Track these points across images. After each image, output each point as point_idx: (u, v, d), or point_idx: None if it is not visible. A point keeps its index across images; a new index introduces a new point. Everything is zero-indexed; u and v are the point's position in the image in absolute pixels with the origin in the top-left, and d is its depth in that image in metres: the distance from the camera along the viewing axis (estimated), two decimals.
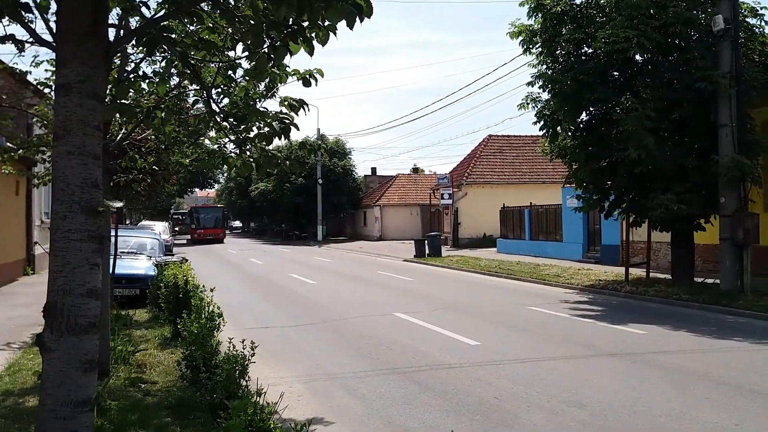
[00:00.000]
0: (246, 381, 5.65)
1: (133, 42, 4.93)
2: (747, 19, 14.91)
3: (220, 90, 6.18)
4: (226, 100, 5.85)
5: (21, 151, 8.57)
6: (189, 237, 53.75)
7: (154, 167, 10.29)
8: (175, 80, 6.48)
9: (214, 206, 64.08)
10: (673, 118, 14.06)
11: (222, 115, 5.05)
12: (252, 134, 5.03)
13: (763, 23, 15.16)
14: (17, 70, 7.71)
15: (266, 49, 4.12)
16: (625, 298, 14.51)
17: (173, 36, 4.33)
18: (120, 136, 7.97)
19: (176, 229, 63.75)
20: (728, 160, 13.18)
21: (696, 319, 11.45)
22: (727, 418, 5.93)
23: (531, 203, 28.33)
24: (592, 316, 12.03)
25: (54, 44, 3.53)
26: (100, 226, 3.18)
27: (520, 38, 15.97)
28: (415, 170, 58.92)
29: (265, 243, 51.00)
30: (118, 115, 5.77)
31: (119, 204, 5.45)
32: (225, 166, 6.03)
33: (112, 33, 5.70)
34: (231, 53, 5.53)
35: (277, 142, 5.61)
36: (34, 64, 8.27)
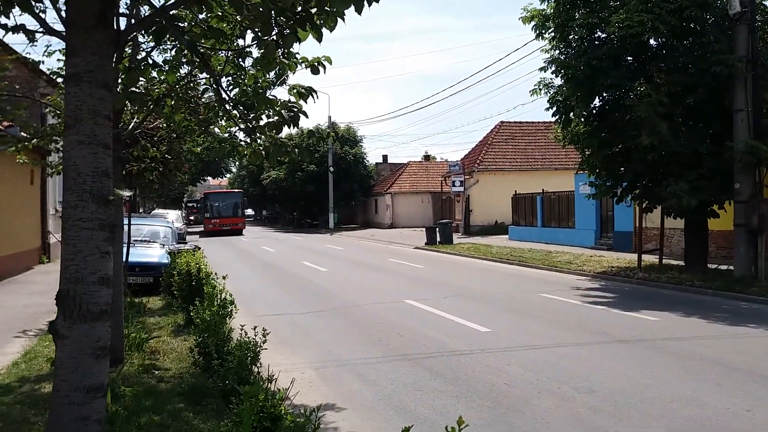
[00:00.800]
0: (258, 367, 5.70)
1: (143, 31, 4.95)
2: (764, 2, 14.65)
3: (230, 79, 6.20)
4: (236, 89, 5.85)
5: (35, 140, 8.65)
6: (203, 227, 47.12)
7: (166, 156, 10.35)
8: (185, 69, 6.52)
9: (230, 191, 55.32)
10: (687, 103, 13.88)
11: (231, 104, 5.06)
12: (262, 123, 5.04)
13: None
14: (30, 60, 7.76)
15: (275, 36, 4.12)
16: (637, 284, 14.45)
17: (182, 25, 4.32)
18: (132, 125, 8.02)
19: (191, 218, 60.21)
20: (743, 146, 13.02)
21: (709, 306, 11.38)
22: (739, 403, 5.90)
23: (543, 190, 28.18)
24: (604, 303, 11.99)
25: (64, 34, 3.55)
26: (111, 215, 3.21)
27: (533, 23, 15.82)
28: (427, 158, 58.74)
29: (277, 231, 51.23)
30: (128, 103, 5.81)
31: (129, 193, 5.50)
32: (236, 155, 6.06)
33: (123, 22, 5.74)
34: (240, 42, 5.56)
35: (288, 130, 5.66)
36: (46, 53, 8.34)
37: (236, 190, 54.89)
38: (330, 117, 47.02)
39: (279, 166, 46.07)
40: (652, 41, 14.67)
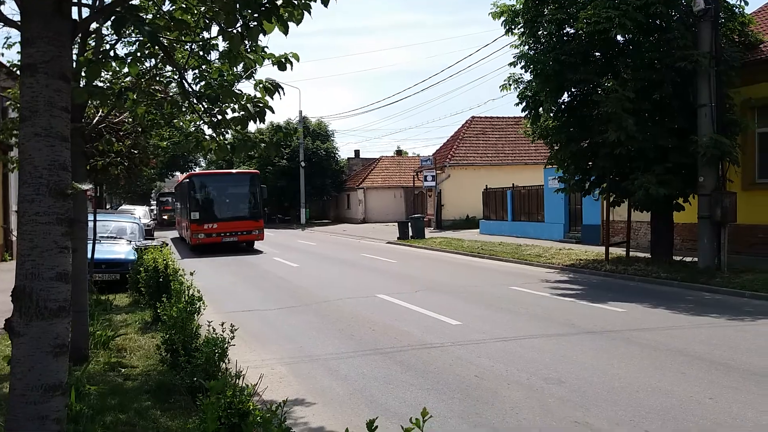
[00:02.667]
0: (226, 364, 5.64)
1: (106, 22, 4.82)
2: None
3: (196, 72, 6.10)
4: (201, 83, 5.76)
5: None
6: (185, 235, 27.02)
7: (131, 150, 10.15)
8: (151, 62, 6.39)
9: (236, 172, 31.53)
10: (653, 98, 14.12)
11: (196, 98, 4.97)
12: (227, 117, 4.96)
13: (742, 3, 15.24)
14: None
15: (240, 29, 4.06)
16: (605, 276, 14.68)
17: (142, 15, 4.23)
18: (96, 119, 7.84)
19: (164, 217, 49.36)
20: (707, 140, 13.30)
21: (674, 297, 11.62)
22: (702, 392, 6.04)
23: (513, 184, 28.44)
24: (572, 295, 12.16)
25: (20, 24, 3.43)
26: (69, 209, 3.12)
27: (503, 18, 15.90)
28: (399, 152, 58.83)
29: None
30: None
31: (89, 186, 5.36)
32: (201, 150, 5.96)
33: (86, 12, 5.59)
34: (206, 34, 5.47)
35: (260, 125, 5.54)
36: (6, 45, 8.10)
37: (246, 171, 31.54)
38: (301, 112, 46.50)
39: (249, 161, 45.59)
40: (619, 37, 14.89)
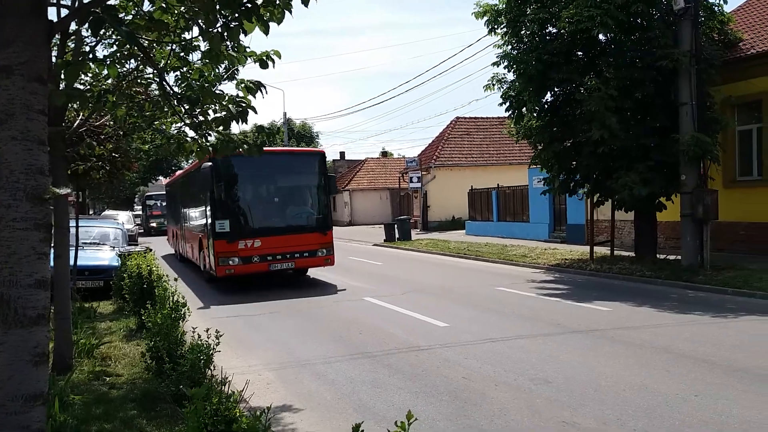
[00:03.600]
0: (211, 370, 5.57)
1: (81, 23, 4.74)
2: None
3: (178, 74, 6.03)
4: (182, 84, 5.68)
5: None
6: (200, 258, 16.60)
7: (113, 154, 10.04)
8: (131, 64, 6.31)
9: (296, 152, 19.65)
10: (635, 97, 14.23)
11: (176, 99, 4.90)
12: (209, 118, 4.91)
13: (721, 2, 15.42)
14: None
15: (220, 29, 4.01)
16: (590, 276, 14.76)
17: (121, 15, 4.16)
18: (77, 122, 7.73)
19: (152, 224, 41.41)
20: (688, 138, 13.41)
21: (658, 295, 11.70)
22: (687, 389, 6.07)
23: (498, 185, 28.53)
24: (558, 295, 12.20)
25: None
26: (48, 214, 3.05)
27: (485, 18, 15.94)
28: (384, 154, 58.89)
29: None
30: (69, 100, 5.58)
31: (67, 190, 5.26)
32: (183, 152, 5.88)
33: (64, 13, 5.50)
34: (186, 35, 5.40)
35: (244, 127, 5.48)
36: None
37: (309, 150, 21.64)
38: (285, 113, 45.68)
39: None
40: (601, 36, 14.98)
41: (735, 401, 5.68)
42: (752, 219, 15.78)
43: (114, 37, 5.94)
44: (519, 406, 5.79)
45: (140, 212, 49.32)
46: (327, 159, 22.95)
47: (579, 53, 15.38)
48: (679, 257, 14.40)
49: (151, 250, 11.93)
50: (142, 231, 40.92)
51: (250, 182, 14.83)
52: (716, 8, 15.48)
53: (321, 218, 15.08)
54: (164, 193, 36.50)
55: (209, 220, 14.45)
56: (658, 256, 15.27)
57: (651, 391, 6.07)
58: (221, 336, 5.78)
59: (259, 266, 14.00)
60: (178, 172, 26.15)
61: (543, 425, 5.33)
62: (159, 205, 40.36)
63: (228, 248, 13.73)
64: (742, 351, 7.50)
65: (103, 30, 5.97)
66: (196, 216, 17.20)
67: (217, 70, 5.96)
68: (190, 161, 22.66)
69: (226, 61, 5.33)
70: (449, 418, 5.56)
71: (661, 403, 5.71)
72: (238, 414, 4.06)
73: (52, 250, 6.69)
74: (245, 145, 4.90)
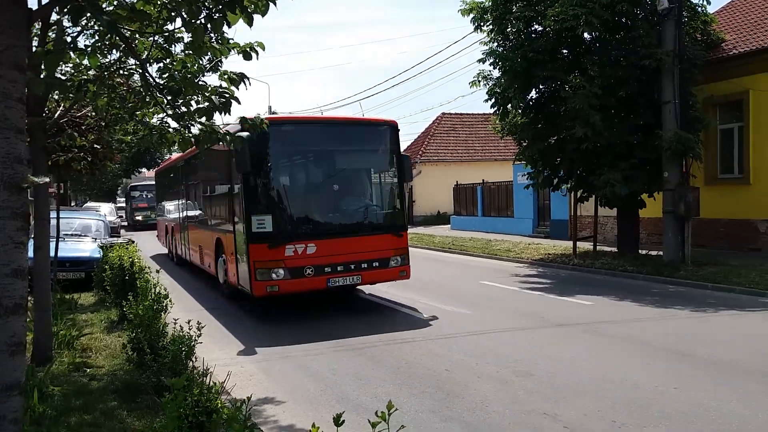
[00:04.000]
0: (193, 362, 5.55)
1: (61, 11, 4.69)
2: None
3: (161, 66, 5.98)
4: (165, 75, 5.64)
5: None
6: (219, 267, 12.02)
7: (95, 145, 9.94)
8: (114, 54, 6.25)
9: (360, 121, 11.92)
10: (619, 95, 14.35)
11: (158, 89, 4.87)
12: (191, 109, 4.88)
13: (704, 2, 15.58)
14: None
15: (203, 20, 3.99)
16: (573, 270, 14.88)
17: (102, 4, 4.12)
18: (58, 113, 7.64)
19: (137, 218, 36.94)
20: (671, 136, 13.55)
21: (640, 290, 11.83)
22: (667, 381, 6.15)
23: (483, 180, 28.64)
24: (541, 289, 12.29)
25: None
26: (25, 203, 3.02)
27: (472, 15, 15.97)
28: None
29: None
30: (50, 89, 5.52)
31: (45, 180, 5.21)
32: (165, 143, 5.84)
33: (45, 1, 5.42)
34: (170, 27, 5.35)
35: (227, 118, 5.45)
36: None
37: (375, 120, 11.84)
38: (270, 107, 45.23)
39: None
40: (586, 35, 15.06)
41: (713, 393, 5.78)
42: (732, 216, 16.01)
43: (96, 27, 5.88)
44: (501, 398, 5.84)
45: (124, 204, 46.43)
46: None
47: (564, 51, 15.47)
48: (660, 253, 14.57)
49: (133, 242, 11.80)
50: (126, 224, 38.16)
51: (301, 162, 10.60)
52: (699, 9, 15.65)
53: (394, 214, 10.75)
54: (151, 183, 33.71)
55: (239, 216, 10.06)
56: (640, 251, 15.43)
57: (632, 384, 6.15)
58: (203, 327, 5.75)
59: (313, 282, 9.60)
60: (175, 156, 20.76)
61: (524, 417, 5.38)
62: (145, 196, 36.74)
63: (270, 255, 9.36)
64: (721, 345, 7.62)
65: (84, 19, 5.90)
66: (212, 208, 12.85)
67: (200, 62, 5.93)
68: (173, 152, 20.26)
69: (210, 53, 5.31)
70: (432, 410, 5.60)
71: (641, 396, 5.79)
72: (219, 405, 4.06)
73: (32, 242, 6.65)
74: (228, 137, 4.87)
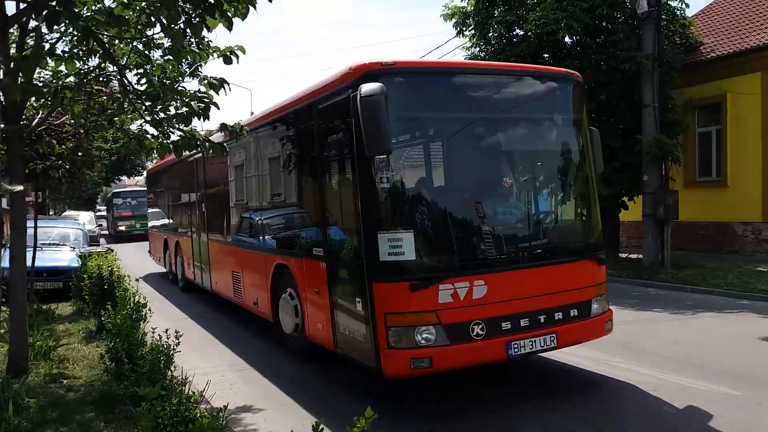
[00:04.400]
0: (172, 371, 5.47)
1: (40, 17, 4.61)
2: (669, 2, 15.49)
3: (141, 72, 5.91)
4: (143, 80, 5.58)
5: None
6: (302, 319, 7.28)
7: (73, 153, 9.81)
8: (94, 60, 6.17)
9: (504, 68, 7.13)
10: (600, 99, 14.48)
11: (136, 95, 4.81)
12: (170, 115, 4.83)
13: (683, 6, 15.81)
14: None
15: (182, 25, 3.95)
16: None
17: (79, 10, 4.06)
18: (36, 120, 7.52)
19: (120, 227, 33.25)
20: (651, 139, 13.71)
21: (620, 293, 11.89)
22: (646, 384, 6.18)
23: None
24: None
25: None
26: None
27: (454, 20, 16.02)
28: None
29: None
30: (26, 96, 5.43)
31: (19, 187, 5.11)
32: (143, 149, 5.78)
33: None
34: (149, 32, 5.30)
35: (208, 125, 5.41)
36: None
37: (536, 68, 7.42)
38: (252, 113, 44.89)
39: None
40: (567, 39, 15.21)
41: (694, 395, 5.81)
42: (711, 218, 16.22)
43: (75, 32, 5.81)
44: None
45: (105, 213, 43.36)
46: None
47: (545, 55, 15.58)
48: (640, 256, 14.70)
49: (112, 251, 11.62)
50: (107, 233, 35.66)
51: (460, 141, 6.20)
52: (678, 12, 15.86)
53: (588, 226, 6.82)
54: (136, 189, 32.34)
55: (348, 231, 6.06)
56: (620, 255, 15.56)
57: (612, 386, 6.17)
58: (181, 336, 5.68)
59: (486, 349, 5.53)
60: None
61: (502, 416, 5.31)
62: (129, 204, 33.35)
63: (414, 303, 5.38)
64: (699, 347, 7.69)
65: (62, 25, 5.83)
66: (270, 217, 8.57)
67: (180, 67, 5.88)
68: (153, 160, 18.64)
69: (189, 58, 5.26)
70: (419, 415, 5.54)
71: (621, 398, 5.81)
72: (198, 414, 4.00)
73: (8, 251, 6.52)
74: (207, 143, 4.83)
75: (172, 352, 5.42)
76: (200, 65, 5.73)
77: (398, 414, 5.59)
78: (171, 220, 15.21)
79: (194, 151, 5.03)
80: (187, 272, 13.33)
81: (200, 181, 12.10)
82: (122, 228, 33.18)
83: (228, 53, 4.60)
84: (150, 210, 18.77)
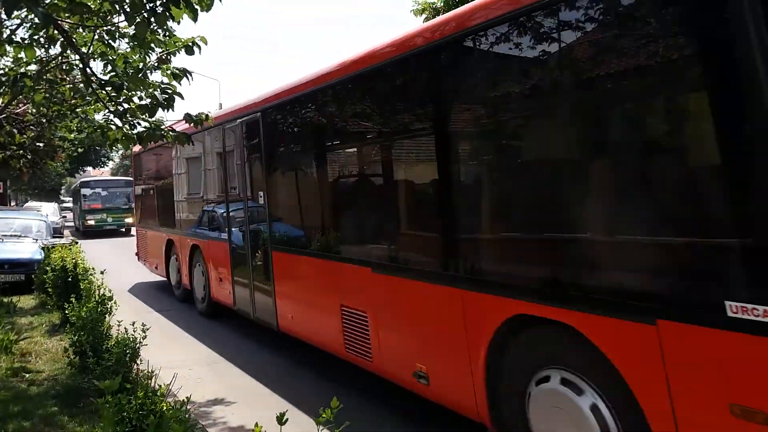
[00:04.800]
0: (138, 365, 5.43)
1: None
2: None
3: (106, 61, 5.80)
4: (107, 69, 5.49)
5: None
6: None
7: (36, 143, 9.60)
8: (56, 49, 6.04)
9: None
10: None
11: (99, 84, 4.73)
12: (135, 105, 4.77)
13: None
14: None
15: (146, 14, 3.90)
16: None
17: None
18: None
19: (89, 222, 29.50)
20: None
21: None
22: None
23: None
24: None
25: None
26: None
27: (424, 16, 16.03)
28: None
29: None
30: None
31: None
32: (106, 140, 5.68)
33: None
34: (116, 20, 5.21)
35: (173, 115, 5.34)
36: None
37: None
38: (221, 105, 44.16)
39: None
40: None
41: None
42: None
43: (35, 20, 5.68)
44: None
45: (70, 205, 39.71)
46: None
47: None
48: None
49: (77, 242, 11.36)
50: (73, 226, 32.95)
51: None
52: None
53: None
54: (108, 179, 29.39)
55: None
56: None
57: None
58: (148, 329, 5.63)
59: None
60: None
61: None
62: (100, 194, 29.83)
63: None
64: None
65: (22, 11, 5.70)
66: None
67: (147, 57, 5.78)
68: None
69: (157, 48, 5.18)
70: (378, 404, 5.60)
71: None
72: (165, 408, 3.99)
73: None
74: (171, 134, 4.77)
75: (138, 345, 5.37)
76: (169, 56, 5.66)
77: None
78: (183, 215, 10.88)
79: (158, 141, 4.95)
80: (216, 291, 9.34)
81: (255, 157, 7.65)
82: (91, 222, 29.66)
83: (190, 44, 4.56)
84: (139, 200, 14.19)
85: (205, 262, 9.68)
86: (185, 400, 3.47)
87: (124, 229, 29.72)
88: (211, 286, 9.55)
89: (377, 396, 5.93)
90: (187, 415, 3.27)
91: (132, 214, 26.11)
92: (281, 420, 2.43)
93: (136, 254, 14.19)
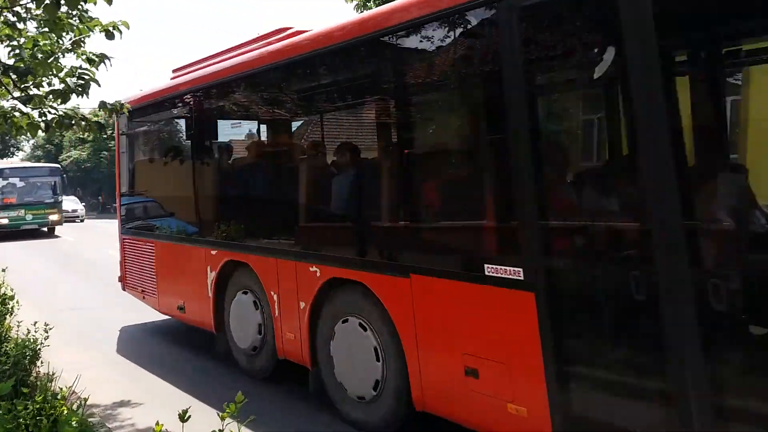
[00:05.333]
0: (39, 367, 5.13)
1: None
2: None
3: (11, 46, 5.42)
4: (15, 52, 5.14)
5: None
6: None
7: None
8: None
9: None
10: None
11: (4, 69, 4.43)
12: (44, 91, 4.50)
13: None
14: None
15: None
16: None
17: None
18: None
19: (2, 221, 23.25)
20: None
21: None
22: None
23: None
24: None
25: None
26: None
27: (354, 2, 15.75)
28: None
29: None
30: None
31: None
32: (11, 128, 5.32)
33: None
34: (24, 1, 4.89)
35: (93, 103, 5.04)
36: None
37: None
38: (141, 89, 42.19)
39: (81, 144, 41.62)
40: None
41: None
42: None
43: None
44: None
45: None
46: None
47: None
48: None
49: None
50: None
51: None
52: None
53: None
54: (29, 166, 23.82)
55: None
56: None
57: None
58: (51, 329, 5.33)
59: None
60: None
61: None
62: (16, 186, 23.95)
63: None
64: None
65: None
66: None
67: (60, 42, 5.46)
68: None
69: (69, 31, 4.90)
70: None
71: None
72: (66, 411, 3.79)
73: None
74: (83, 122, 4.52)
75: (39, 347, 5.07)
76: (82, 40, 5.36)
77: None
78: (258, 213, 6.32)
79: (69, 130, 4.67)
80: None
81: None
82: (4, 221, 23.33)
83: (110, 28, 4.35)
84: (131, 190, 9.14)
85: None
86: (83, 401, 3.30)
87: (46, 229, 24.75)
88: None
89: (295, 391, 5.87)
90: (88, 417, 3.11)
91: (57, 210, 23.98)
92: (183, 417, 2.38)
93: (119, 278, 9.38)
